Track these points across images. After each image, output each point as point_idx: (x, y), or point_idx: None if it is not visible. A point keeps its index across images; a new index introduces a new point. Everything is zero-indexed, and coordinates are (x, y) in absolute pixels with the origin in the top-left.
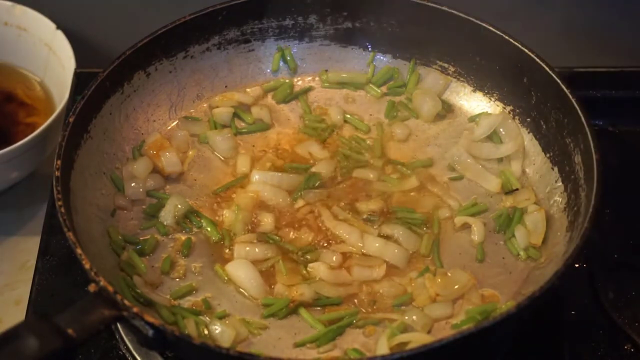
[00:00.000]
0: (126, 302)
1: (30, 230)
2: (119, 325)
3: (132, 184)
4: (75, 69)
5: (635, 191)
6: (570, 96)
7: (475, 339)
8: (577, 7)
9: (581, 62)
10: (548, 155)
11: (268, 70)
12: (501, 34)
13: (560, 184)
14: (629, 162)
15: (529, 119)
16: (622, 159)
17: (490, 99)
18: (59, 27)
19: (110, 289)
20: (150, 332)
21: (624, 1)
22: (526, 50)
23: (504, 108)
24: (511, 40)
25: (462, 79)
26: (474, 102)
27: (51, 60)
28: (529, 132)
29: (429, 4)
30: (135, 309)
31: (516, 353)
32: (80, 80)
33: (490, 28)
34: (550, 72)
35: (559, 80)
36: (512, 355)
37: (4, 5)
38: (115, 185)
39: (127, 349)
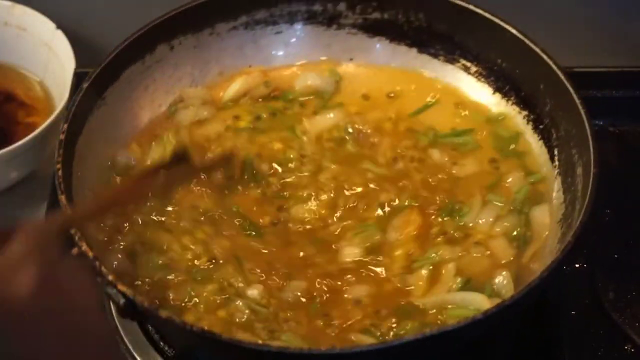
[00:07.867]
0: (103, 268)
1: None
2: (119, 325)
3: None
4: (75, 69)
5: (635, 191)
6: (580, 107)
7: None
8: (578, 7)
9: (581, 62)
10: (554, 164)
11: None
12: (522, 37)
13: (561, 194)
14: (629, 162)
15: (541, 126)
16: (622, 159)
17: (508, 102)
18: (59, 27)
19: (90, 254)
20: (122, 301)
21: (624, 1)
22: (544, 57)
23: (520, 112)
24: (531, 45)
25: (482, 79)
26: (492, 105)
27: (51, 60)
28: (539, 139)
29: (457, 1)
30: (111, 276)
31: (516, 353)
32: (80, 80)
33: (514, 31)
34: (564, 80)
35: (571, 90)
36: (512, 356)
37: (4, 5)
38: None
39: (127, 349)
